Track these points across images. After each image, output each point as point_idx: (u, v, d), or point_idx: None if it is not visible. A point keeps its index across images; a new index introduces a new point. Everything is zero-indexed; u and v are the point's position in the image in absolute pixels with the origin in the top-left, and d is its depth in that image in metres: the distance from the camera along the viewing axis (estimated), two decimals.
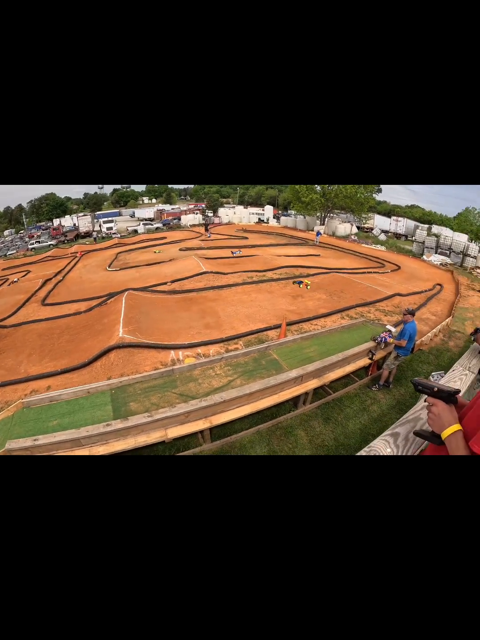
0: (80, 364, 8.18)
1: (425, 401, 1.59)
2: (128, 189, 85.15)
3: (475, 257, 26.39)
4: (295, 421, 6.35)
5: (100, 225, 46.21)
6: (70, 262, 24.89)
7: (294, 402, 6.53)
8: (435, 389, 1.53)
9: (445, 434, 1.43)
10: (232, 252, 21.50)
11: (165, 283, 14.74)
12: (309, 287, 12.73)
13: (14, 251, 43.92)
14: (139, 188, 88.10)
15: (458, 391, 1.54)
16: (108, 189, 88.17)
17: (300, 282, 13.97)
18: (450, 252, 28.30)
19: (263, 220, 46.50)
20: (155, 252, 24.69)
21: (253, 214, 48.72)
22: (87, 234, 44.64)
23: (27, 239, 51.76)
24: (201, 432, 5.36)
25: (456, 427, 1.41)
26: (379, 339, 7.32)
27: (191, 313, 11.39)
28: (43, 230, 55.92)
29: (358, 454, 1.84)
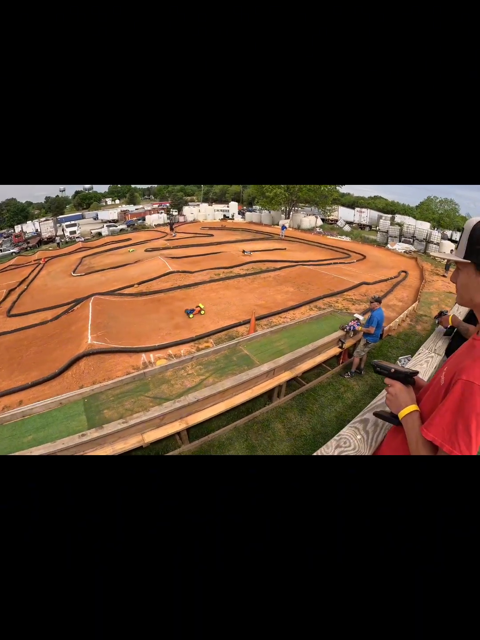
0: (51, 375, 7.95)
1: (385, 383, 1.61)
2: (91, 191, 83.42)
3: (438, 244, 27.14)
4: (272, 414, 6.39)
5: (63, 230, 45.06)
6: (34, 270, 24.24)
7: (269, 395, 6.56)
8: (392, 370, 1.56)
9: (401, 414, 1.45)
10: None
11: (132, 285, 14.56)
12: (203, 312, 11.18)
13: None
14: (102, 189, 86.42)
15: (415, 372, 1.58)
16: (70, 191, 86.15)
17: (191, 311, 11.19)
18: (413, 240, 29.03)
19: (228, 217, 46.45)
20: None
21: (218, 211, 48.63)
22: (50, 240, 43.52)
23: None
24: (178, 433, 5.31)
25: (412, 407, 1.43)
26: (348, 328, 7.42)
27: (160, 314, 11.29)
28: (4, 237, 54.02)
29: (326, 445, 1.82)
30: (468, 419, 1.12)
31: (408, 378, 1.54)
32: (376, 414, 1.74)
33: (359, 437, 1.88)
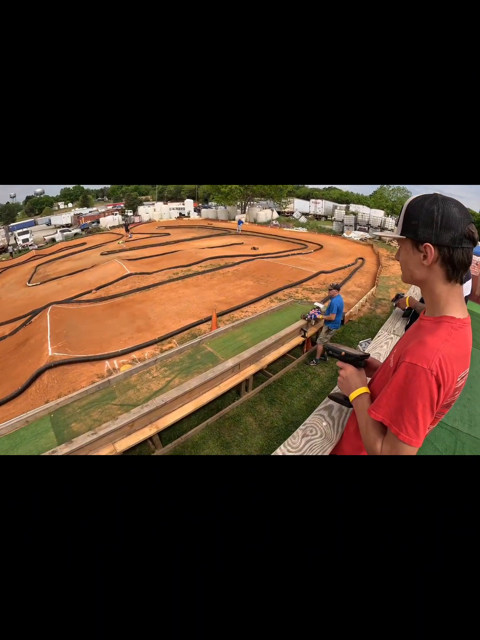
0: (14, 393, 7.63)
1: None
2: (42, 196, 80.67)
3: (392, 230, 27.91)
4: (242, 409, 6.40)
5: (15, 238, 43.37)
6: None
7: (237, 390, 6.57)
8: (343, 353, 1.58)
9: (352, 396, 1.48)
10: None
11: (89, 291, 14.25)
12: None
13: None
14: (53, 193, 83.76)
15: (366, 355, 1.60)
16: (20, 197, 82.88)
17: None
18: (368, 228, 29.77)
19: (184, 215, 46.13)
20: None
21: (173, 209, 48.19)
22: (3, 250, 41.81)
23: None
24: (150, 438, 5.22)
25: (362, 389, 1.46)
26: (309, 316, 7.53)
27: (120, 318, 11.10)
28: None
29: (293, 436, 1.82)
30: (413, 401, 1.13)
31: (359, 361, 1.56)
32: (330, 397, 1.79)
33: (324, 423, 1.90)
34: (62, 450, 4.40)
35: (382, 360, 2.42)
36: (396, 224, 1.27)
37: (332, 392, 1.87)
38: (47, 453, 4.42)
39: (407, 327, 3.82)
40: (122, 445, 4.77)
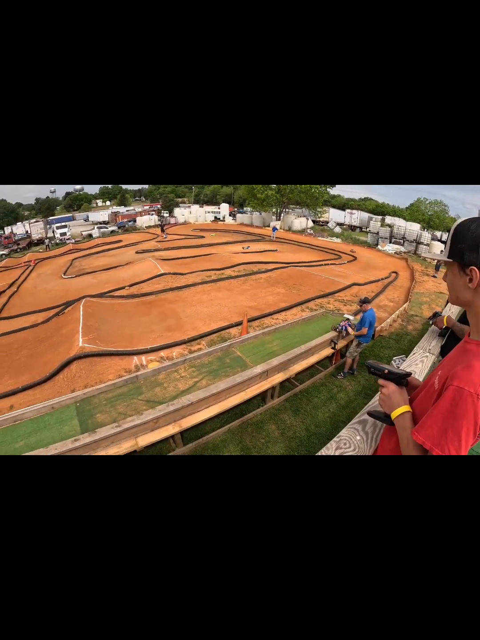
0: (42, 379, 7.87)
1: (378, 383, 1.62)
2: (81, 192, 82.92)
3: (428, 245, 27.39)
4: (266, 416, 6.37)
5: (53, 231, 44.73)
6: (23, 272, 24.05)
7: (262, 397, 6.54)
8: (386, 371, 1.57)
9: (394, 414, 1.47)
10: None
11: (123, 288, 14.50)
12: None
13: None
14: (92, 190, 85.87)
15: (408, 374, 1.59)
16: (60, 193, 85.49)
17: None
18: (404, 241, 29.27)
19: (219, 219, 46.47)
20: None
21: (209, 212, 48.63)
22: (41, 241, 43.15)
23: None
24: (172, 437, 5.27)
25: (404, 408, 1.45)
26: (339, 328, 7.44)
27: (151, 316, 11.25)
28: None
29: (326, 447, 1.81)
30: (458, 425, 1.13)
31: (401, 379, 1.55)
32: (370, 414, 1.76)
33: (358, 437, 1.87)
34: (85, 438, 4.50)
35: (419, 378, 2.38)
36: (444, 247, 1.28)
37: (370, 409, 1.85)
38: (69, 440, 4.51)
39: (443, 347, 3.74)
40: (144, 440, 4.83)
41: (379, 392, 1.59)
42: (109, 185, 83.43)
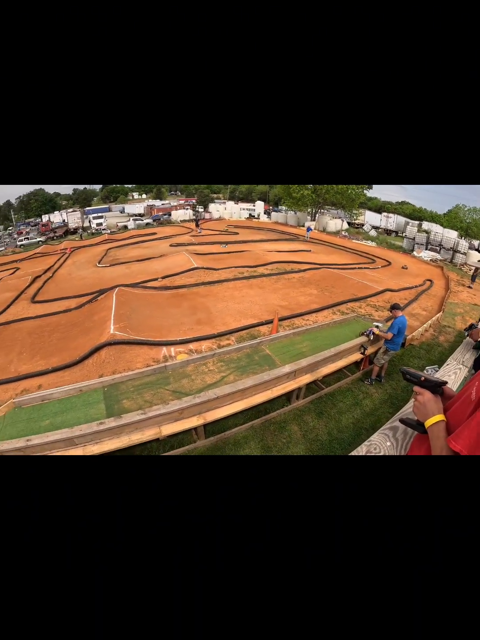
0: (72, 361, 8.10)
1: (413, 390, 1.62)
2: (118, 185, 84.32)
3: (465, 254, 26.62)
4: (289, 416, 6.36)
5: (89, 221, 45.85)
6: (59, 259, 24.72)
7: (287, 397, 6.54)
8: (422, 378, 1.56)
9: (428, 423, 1.45)
10: (221, 245, 21.36)
11: (155, 279, 14.67)
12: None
13: (2, 248, 43.47)
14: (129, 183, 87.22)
15: (444, 383, 1.58)
16: (97, 184, 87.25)
17: None
18: (440, 248, 28.55)
19: (254, 216, 46.40)
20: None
21: (244, 209, 48.64)
22: (74, 231, 44.29)
23: (15, 236, 51.07)
24: (195, 428, 5.35)
25: (439, 417, 1.43)
26: (367, 332, 7.36)
27: (182, 309, 11.35)
28: (32, 226, 55.24)
29: (357, 450, 1.83)
30: None
31: (437, 388, 1.55)
32: (402, 421, 1.75)
33: (388, 443, 1.89)
34: (110, 423, 4.62)
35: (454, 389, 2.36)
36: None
37: (403, 416, 1.85)
38: (95, 423, 4.63)
39: (477, 360, 3.69)
40: (167, 429, 4.92)
41: (413, 400, 1.59)
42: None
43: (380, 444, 1.87)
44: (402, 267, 17.16)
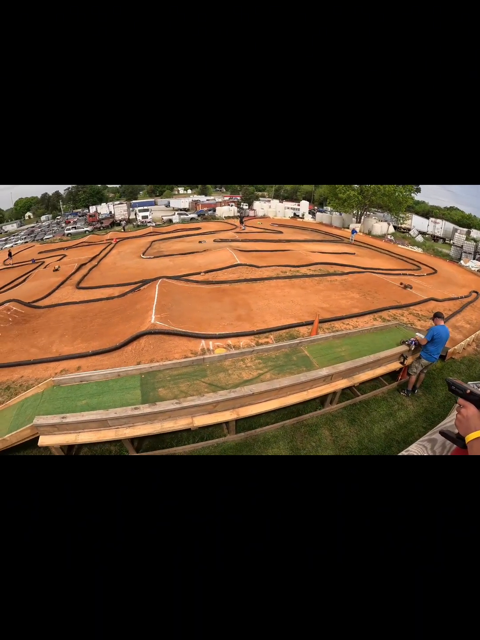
0: (112, 347, 8.38)
1: (457, 402, 1.59)
2: None
3: None
4: (321, 420, 6.33)
5: (136, 214, 46.86)
6: (105, 248, 25.40)
7: (321, 400, 6.50)
8: (468, 391, 1.52)
9: (469, 437, 1.41)
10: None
11: (198, 273, 14.83)
12: None
13: (51, 236, 45.22)
14: None
15: None
16: None
17: None
18: None
19: (298, 216, 46.00)
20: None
21: (288, 208, 48.29)
22: (118, 223, 45.62)
23: (63, 225, 52.83)
24: (227, 423, 5.44)
25: None
26: (409, 342, 7.20)
27: (223, 304, 11.46)
28: (79, 217, 56.93)
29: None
30: None
31: None
32: (442, 433, 1.73)
33: (426, 455, 1.89)
34: (145, 409, 4.78)
35: None
36: None
37: (443, 428, 1.85)
38: (130, 408, 4.78)
39: None
40: (200, 420, 5.02)
41: (456, 412, 1.55)
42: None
43: (418, 454, 1.88)
44: (404, 286, 15.26)
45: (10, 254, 26.51)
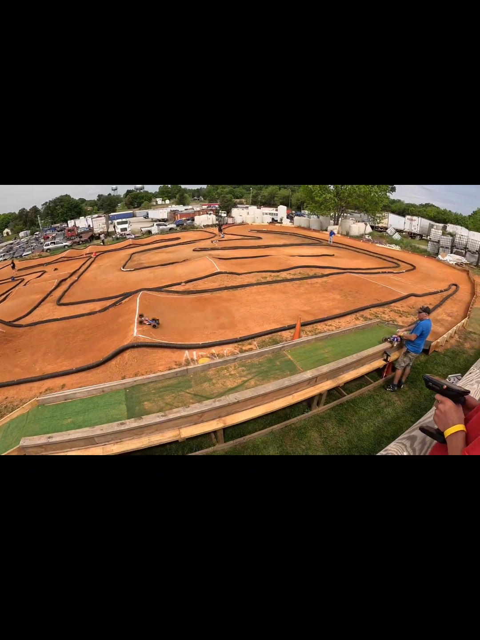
0: (95, 363, 8.29)
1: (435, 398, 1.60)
2: (141, 191, 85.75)
3: None
4: (309, 422, 6.33)
5: (114, 227, 46.70)
6: (85, 263, 25.25)
7: (308, 403, 6.51)
8: (445, 386, 1.54)
9: (447, 432, 1.44)
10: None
11: (179, 283, 14.84)
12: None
13: (30, 252, 44.71)
14: (152, 189, 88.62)
15: (467, 392, 1.55)
16: (122, 190, 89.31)
17: None
18: (465, 252, 27.90)
19: (276, 220, 46.37)
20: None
21: (266, 214, 48.64)
22: (97, 236, 45.30)
23: (42, 240, 52.49)
24: (214, 432, 5.39)
25: (459, 427, 1.41)
26: (392, 339, 7.26)
27: (205, 313, 11.43)
28: (58, 231, 56.62)
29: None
30: None
31: (459, 396, 1.52)
32: (422, 429, 1.74)
33: (405, 453, 1.88)
34: (131, 423, 4.72)
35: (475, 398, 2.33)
36: None
37: (423, 424, 1.84)
38: (116, 423, 4.72)
39: None
40: (187, 432, 4.98)
41: (434, 408, 1.57)
42: (169, 185, 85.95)
43: (397, 453, 1.87)
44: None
45: None
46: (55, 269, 19.57)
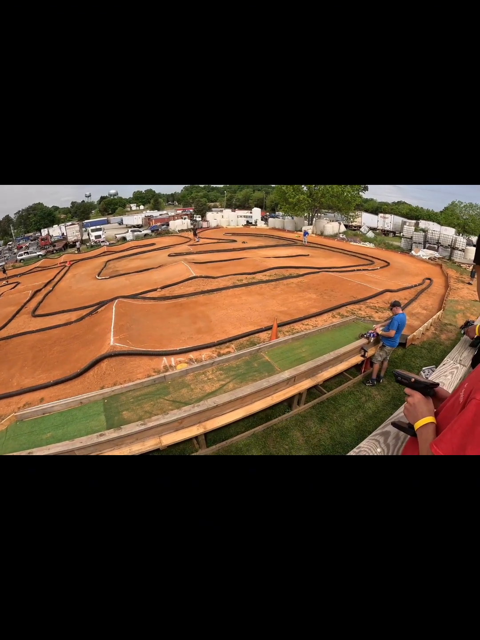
0: (73, 374, 8.14)
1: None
2: (115, 197, 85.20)
3: (463, 250, 26.56)
4: (291, 422, 6.34)
5: (88, 234, 46.10)
6: (59, 272, 24.94)
7: (289, 403, 6.51)
8: (413, 380, 1.55)
9: (417, 425, 1.43)
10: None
11: (155, 289, 14.76)
12: None
13: (3, 263, 43.70)
14: (126, 195, 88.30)
15: (436, 384, 1.55)
16: (95, 197, 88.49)
17: None
18: (438, 246, 28.50)
19: (251, 223, 46.57)
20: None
21: (241, 216, 48.91)
22: (72, 245, 44.65)
23: (15, 250, 51.59)
24: (196, 437, 5.33)
25: (428, 419, 1.41)
26: (368, 335, 7.33)
27: (182, 318, 11.38)
28: (31, 240, 55.77)
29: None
30: (479, 440, 1.07)
31: (428, 389, 1.52)
32: (394, 424, 1.73)
33: (379, 450, 1.85)
34: (110, 434, 4.64)
35: (448, 390, 2.33)
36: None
37: (395, 419, 1.82)
38: (95, 435, 4.64)
39: (474, 358, 3.64)
40: (168, 439, 4.91)
41: (405, 402, 1.56)
42: (143, 190, 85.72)
43: (370, 450, 1.84)
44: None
45: None
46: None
